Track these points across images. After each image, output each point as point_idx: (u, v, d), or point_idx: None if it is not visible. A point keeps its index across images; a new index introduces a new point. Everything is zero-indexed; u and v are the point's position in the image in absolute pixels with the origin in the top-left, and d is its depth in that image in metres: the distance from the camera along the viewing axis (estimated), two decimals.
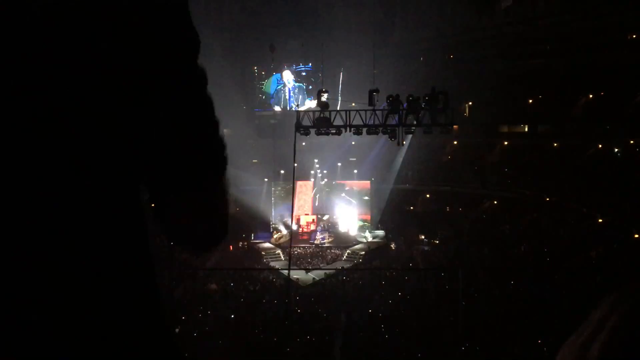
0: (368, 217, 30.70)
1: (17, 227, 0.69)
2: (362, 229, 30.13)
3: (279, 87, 33.67)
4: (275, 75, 33.66)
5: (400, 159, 30.89)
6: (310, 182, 31.21)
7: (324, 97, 18.44)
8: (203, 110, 0.83)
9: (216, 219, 0.88)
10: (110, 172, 0.75)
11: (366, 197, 31.05)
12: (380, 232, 29.69)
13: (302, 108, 31.48)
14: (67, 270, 0.72)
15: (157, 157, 0.80)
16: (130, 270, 0.80)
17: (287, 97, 33.63)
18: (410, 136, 22.75)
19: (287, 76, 33.52)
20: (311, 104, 32.31)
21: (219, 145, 0.86)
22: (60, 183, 0.71)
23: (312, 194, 31.07)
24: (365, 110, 18.24)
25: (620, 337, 0.59)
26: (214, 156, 0.86)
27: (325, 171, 31.73)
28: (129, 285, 0.80)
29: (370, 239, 29.17)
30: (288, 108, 33.42)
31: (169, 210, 0.84)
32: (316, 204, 31.35)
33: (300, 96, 33.47)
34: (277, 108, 33.82)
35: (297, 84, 33.57)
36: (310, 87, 33.25)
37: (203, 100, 0.83)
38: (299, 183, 29.52)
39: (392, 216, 30.01)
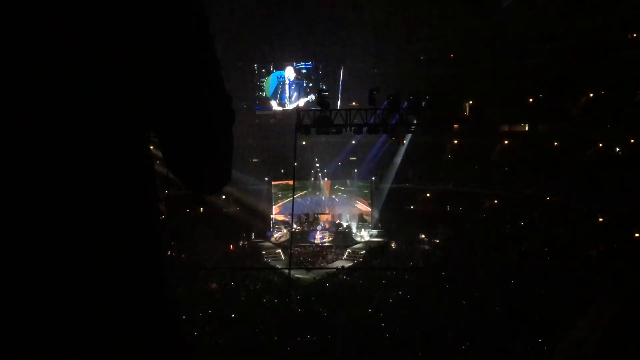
0: (368, 216, 30.71)
1: (25, 222, 0.69)
2: (359, 228, 30.14)
3: (279, 82, 33.68)
4: (275, 73, 33.64)
5: (399, 158, 30.91)
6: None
7: (324, 96, 18.42)
8: (211, 68, 0.91)
9: (222, 161, 0.95)
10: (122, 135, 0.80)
11: (366, 197, 31.08)
12: (374, 231, 29.68)
13: (292, 105, 31.49)
14: (77, 269, 0.73)
15: (170, 102, 0.85)
16: (142, 268, 0.81)
17: (283, 93, 33.62)
18: (409, 135, 22.76)
19: (289, 73, 33.49)
20: (301, 102, 32.23)
21: (226, 97, 0.95)
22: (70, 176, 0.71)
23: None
24: (366, 110, 18.24)
25: (615, 334, 0.60)
26: (222, 105, 0.94)
27: (325, 170, 31.75)
28: (141, 284, 0.80)
29: (367, 238, 29.17)
30: (283, 104, 33.44)
31: (179, 151, 0.90)
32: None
33: (296, 93, 33.42)
34: (274, 103, 33.77)
35: (295, 80, 33.55)
36: (311, 84, 33.23)
37: (212, 60, 0.90)
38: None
39: (393, 215, 30.01)
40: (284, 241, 28.47)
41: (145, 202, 0.83)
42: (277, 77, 33.68)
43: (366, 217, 30.69)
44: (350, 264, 25.76)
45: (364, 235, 29.43)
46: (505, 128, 31.63)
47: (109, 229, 0.77)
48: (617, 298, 0.65)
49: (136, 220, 0.81)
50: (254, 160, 30.82)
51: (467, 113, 31.93)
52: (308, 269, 23.69)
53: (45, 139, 0.71)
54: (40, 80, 0.70)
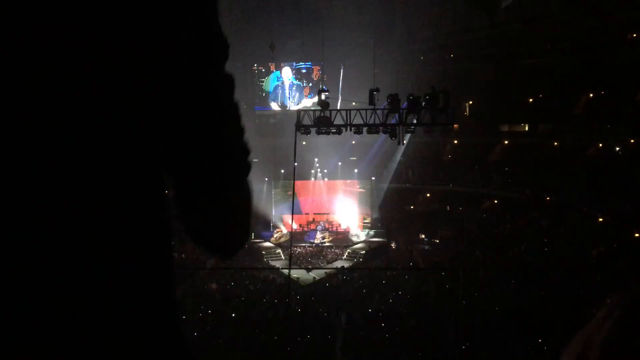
0: (368, 216, 30.71)
1: (28, 222, 0.69)
2: (359, 228, 30.14)
3: (277, 83, 33.72)
4: (275, 73, 33.67)
5: (399, 158, 30.92)
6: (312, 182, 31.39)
7: (324, 96, 18.42)
8: (231, 113, 0.85)
9: (242, 222, 0.88)
10: (133, 166, 0.76)
11: (366, 196, 31.07)
12: (372, 232, 29.68)
13: (296, 107, 31.51)
14: (78, 268, 0.72)
15: (184, 156, 0.79)
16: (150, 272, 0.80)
17: (284, 94, 33.65)
18: (409, 135, 22.73)
19: (286, 73, 33.53)
20: (307, 102, 32.31)
21: (246, 149, 0.88)
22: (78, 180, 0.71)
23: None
24: (366, 110, 18.23)
25: (620, 334, 0.59)
26: (242, 159, 0.87)
27: (325, 170, 31.76)
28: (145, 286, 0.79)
29: (362, 238, 29.17)
30: (285, 105, 33.47)
31: (196, 213, 0.84)
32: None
33: (297, 94, 33.45)
34: (274, 105, 33.81)
35: (295, 82, 33.56)
36: (310, 84, 33.25)
37: (231, 104, 0.85)
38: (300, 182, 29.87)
39: (393, 215, 30.01)
40: (284, 241, 28.47)
41: (151, 203, 0.81)
42: (277, 77, 33.73)
43: (366, 217, 30.69)
44: (350, 264, 25.76)
45: (360, 235, 29.42)
46: (506, 128, 31.65)
47: (112, 229, 0.76)
48: (624, 297, 0.64)
49: (140, 221, 0.80)
50: (254, 160, 30.74)
51: (467, 113, 31.95)
52: (308, 269, 23.69)
53: (47, 140, 0.71)
54: (42, 81, 0.70)
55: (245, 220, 0.89)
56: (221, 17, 0.81)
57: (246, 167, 0.89)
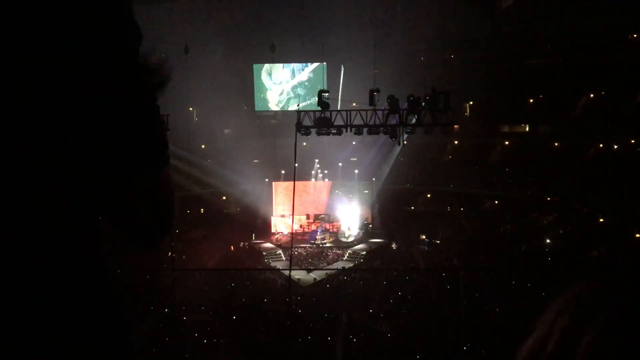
0: (369, 216, 30.67)
1: None
2: (361, 229, 30.09)
3: (276, 83, 33.79)
4: (274, 74, 33.70)
5: (400, 158, 30.89)
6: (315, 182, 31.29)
7: (324, 97, 18.41)
8: (143, 106, 0.81)
9: (161, 214, 0.87)
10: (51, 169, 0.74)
11: (367, 197, 31.04)
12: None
13: (293, 107, 31.55)
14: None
15: (95, 152, 0.76)
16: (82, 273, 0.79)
17: (282, 94, 33.72)
18: (408, 135, 22.75)
19: (286, 74, 33.59)
20: (306, 103, 32.31)
21: (160, 136, 0.84)
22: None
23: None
24: (366, 110, 18.23)
25: (571, 340, 0.59)
26: (156, 150, 0.83)
27: (326, 171, 31.73)
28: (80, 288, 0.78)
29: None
30: (282, 104, 33.53)
31: (115, 208, 0.83)
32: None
33: (295, 93, 33.52)
34: (273, 105, 33.86)
35: (293, 82, 33.61)
36: (308, 85, 33.26)
37: (143, 96, 0.81)
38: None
39: (393, 216, 29.97)
40: (285, 242, 28.45)
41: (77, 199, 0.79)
42: (276, 78, 33.78)
43: (366, 218, 30.65)
44: (351, 264, 25.74)
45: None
46: (506, 128, 31.64)
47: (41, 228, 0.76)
48: (570, 299, 0.63)
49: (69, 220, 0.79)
50: (255, 160, 30.82)
51: (467, 113, 31.94)
52: (308, 270, 23.67)
53: None
54: None
55: (168, 211, 0.87)
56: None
57: (165, 156, 0.85)
